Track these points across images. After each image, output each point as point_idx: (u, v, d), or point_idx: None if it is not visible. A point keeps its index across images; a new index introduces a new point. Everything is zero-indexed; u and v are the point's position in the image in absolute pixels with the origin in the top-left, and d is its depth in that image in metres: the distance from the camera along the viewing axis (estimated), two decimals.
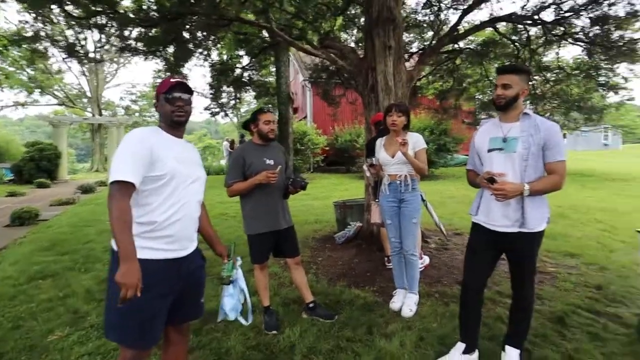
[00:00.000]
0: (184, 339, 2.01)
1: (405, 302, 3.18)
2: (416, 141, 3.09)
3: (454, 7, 6.23)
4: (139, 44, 6.13)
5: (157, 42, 6.48)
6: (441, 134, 13.26)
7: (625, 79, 6.76)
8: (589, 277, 3.83)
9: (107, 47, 7.26)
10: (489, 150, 2.21)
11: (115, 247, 1.65)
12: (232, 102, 11.42)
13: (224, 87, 10.44)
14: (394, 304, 3.22)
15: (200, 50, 8.73)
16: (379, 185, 3.36)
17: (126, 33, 5.81)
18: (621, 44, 5.34)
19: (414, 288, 3.23)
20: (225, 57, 10.95)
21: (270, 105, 12.89)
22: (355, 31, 7.98)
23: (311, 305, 3.07)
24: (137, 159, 1.61)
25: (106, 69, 29.15)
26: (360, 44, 7.40)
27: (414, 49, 6.88)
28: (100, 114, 27.16)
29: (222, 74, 9.71)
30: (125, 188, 1.58)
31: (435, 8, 6.31)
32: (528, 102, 7.73)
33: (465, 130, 13.93)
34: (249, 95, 16.73)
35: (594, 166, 16.80)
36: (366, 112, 4.86)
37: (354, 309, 3.17)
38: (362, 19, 6.11)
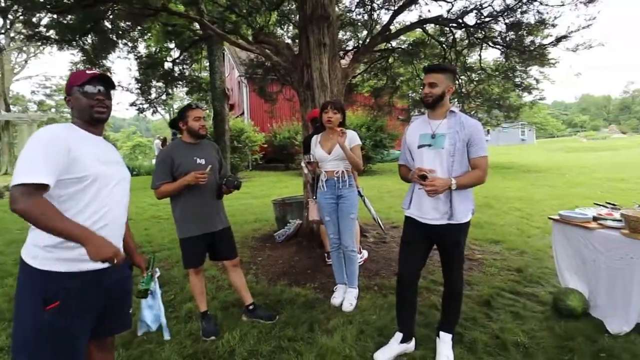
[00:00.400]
0: (108, 356, 1.83)
1: (346, 296, 3.22)
2: (351, 137, 3.11)
3: (385, 7, 6.43)
4: (51, 32, 5.52)
5: (72, 31, 5.90)
6: (377, 131, 13.69)
7: (537, 81, 7.47)
8: (510, 261, 4.16)
9: (12, 34, 6.47)
10: (419, 147, 2.30)
11: (26, 259, 1.45)
12: (163, 97, 10.79)
13: (153, 82, 9.85)
14: (335, 300, 3.25)
15: (124, 41, 8.15)
16: (316, 183, 3.36)
17: (35, 19, 5.19)
18: (532, 48, 5.88)
19: (353, 283, 3.28)
20: (153, 49, 10.33)
21: (198, 102, 12.40)
22: (290, 27, 7.93)
23: (251, 307, 3.00)
24: (51, 158, 1.41)
25: (14, 59, 26.07)
26: (295, 41, 7.36)
27: (349, 47, 6.99)
28: (8, 110, 24.26)
29: (150, 67, 9.13)
30: (35, 192, 1.36)
31: (369, 7, 6.46)
32: (455, 100, 8.22)
33: (400, 127, 14.50)
34: (181, 91, 15.99)
35: (513, 159, 18.44)
36: (302, 109, 4.85)
37: (295, 308, 3.15)
38: (297, 16, 6.07)
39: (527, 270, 3.83)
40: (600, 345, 2.43)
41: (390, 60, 7.37)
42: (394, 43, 7.04)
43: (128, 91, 10.11)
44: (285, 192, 9.28)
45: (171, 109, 30.15)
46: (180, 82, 10.79)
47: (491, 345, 2.53)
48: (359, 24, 6.94)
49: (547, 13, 5.43)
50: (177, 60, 9.76)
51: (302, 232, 5.06)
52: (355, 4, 6.67)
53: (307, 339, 2.67)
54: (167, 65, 9.76)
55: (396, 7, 5.77)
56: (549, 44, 5.74)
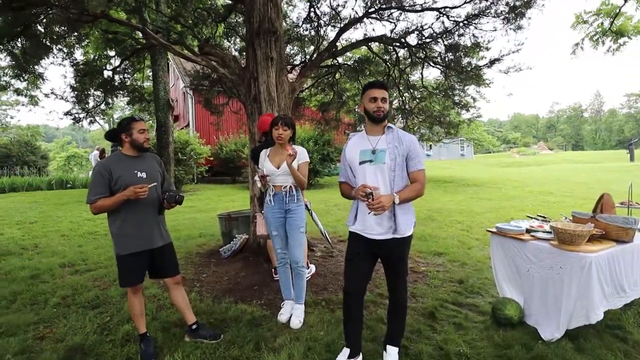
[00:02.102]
0: None
1: (294, 313, 3.16)
2: (300, 154, 3.11)
3: (332, 24, 6.55)
4: None
5: None
6: (324, 145, 13.83)
7: (474, 99, 7.97)
8: (453, 272, 4.30)
9: None
10: (361, 163, 2.32)
11: None
12: (101, 107, 10.16)
13: (91, 91, 9.24)
14: (282, 316, 3.19)
15: (59, 47, 7.59)
16: (264, 197, 3.29)
17: None
18: (469, 69, 6.26)
19: (301, 299, 3.22)
20: (91, 56, 9.73)
21: (141, 114, 11.86)
22: (237, 40, 7.84)
23: (194, 326, 2.84)
24: None
25: None
26: (242, 53, 7.28)
27: (297, 62, 7.02)
28: None
29: (87, 75, 8.57)
30: None
31: (315, 24, 6.54)
32: (400, 116, 8.52)
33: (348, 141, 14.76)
34: (121, 101, 15.19)
35: (453, 173, 19.44)
36: (249, 122, 4.75)
37: (240, 326, 3.04)
38: (244, 29, 6.00)
39: (468, 281, 3.97)
40: (535, 352, 2.54)
41: (337, 75, 7.52)
42: (340, 59, 7.20)
43: (63, 99, 9.35)
44: (231, 206, 9.04)
45: (111, 119, 28.55)
46: (121, 92, 10.23)
47: (435, 356, 2.56)
48: (306, 39, 7.01)
49: (482, 37, 5.83)
50: (117, 69, 9.25)
51: (249, 247, 4.91)
52: (303, 19, 6.74)
53: (253, 358, 2.59)
54: (107, 73, 9.22)
55: (342, 25, 5.90)
56: (483, 65, 6.15)
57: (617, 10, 6.73)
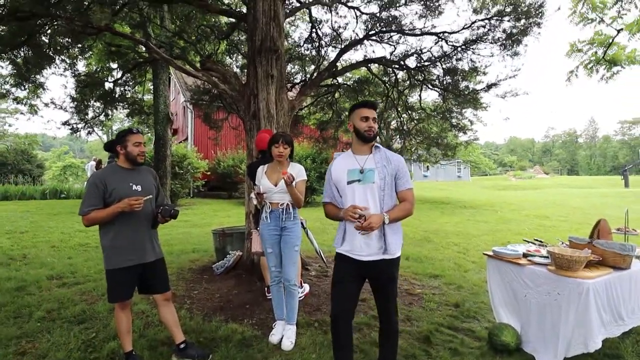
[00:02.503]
0: None
1: (285, 334, 3.09)
2: (298, 172, 3.11)
3: (333, 45, 6.66)
4: None
5: (2, 43, 5.43)
6: (322, 163, 13.85)
7: (471, 122, 8.09)
8: (449, 296, 4.24)
9: None
10: (349, 182, 2.28)
11: None
12: (101, 118, 10.18)
13: (91, 102, 9.27)
14: (274, 337, 3.11)
15: (62, 57, 7.65)
16: (260, 213, 3.26)
17: None
18: (467, 92, 6.36)
19: (292, 319, 3.16)
20: (93, 68, 9.81)
21: (139, 127, 11.86)
22: (239, 57, 7.94)
23: (182, 345, 2.76)
24: None
25: None
26: (243, 70, 7.36)
27: (297, 80, 7.11)
28: None
29: (88, 86, 8.61)
30: None
31: (317, 44, 6.65)
32: (398, 136, 8.58)
33: None
34: (121, 113, 15.24)
35: (450, 195, 19.46)
36: (248, 138, 4.76)
37: (230, 346, 2.96)
38: (246, 46, 6.09)
39: (464, 305, 3.91)
40: None
41: (336, 95, 7.61)
42: (340, 79, 7.31)
43: (62, 109, 9.37)
44: (227, 222, 8.96)
45: (110, 131, 28.59)
46: (121, 104, 10.28)
47: None
48: (307, 58, 7.12)
49: (479, 62, 5.95)
50: (118, 81, 9.32)
51: (242, 265, 4.83)
52: (304, 39, 6.86)
53: None
54: (108, 85, 9.29)
55: (343, 46, 6.00)
56: (481, 89, 6.26)
57: (610, 40, 6.88)
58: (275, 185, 3.09)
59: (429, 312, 3.74)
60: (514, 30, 5.45)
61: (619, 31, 6.27)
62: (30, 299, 3.97)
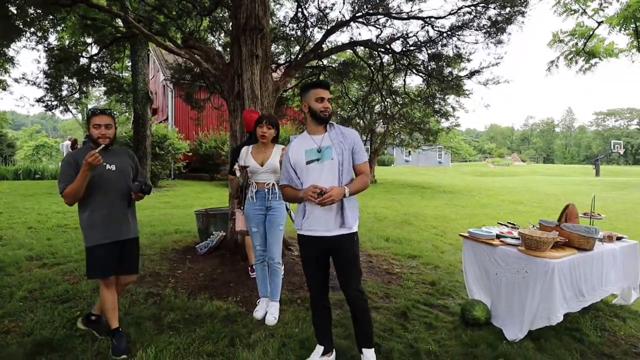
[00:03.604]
0: None
1: (269, 310, 3.19)
2: (283, 154, 3.14)
3: (319, 26, 6.61)
4: None
5: None
6: None
7: (454, 108, 8.22)
8: (426, 275, 4.42)
9: None
10: (307, 162, 2.32)
11: None
12: (76, 96, 9.85)
13: (65, 78, 8.95)
14: (258, 313, 3.20)
15: (32, 30, 7.34)
16: (244, 193, 3.30)
17: None
18: (450, 79, 6.45)
19: (276, 296, 3.25)
20: (67, 42, 9.43)
21: (107, 108, 11.57)
22: (222, 35, 7.79)
23: (93, 317, 2.85)
24: None
25: None
26: (227, 49, 7.24)
27: (282, 61, 7.04)
28: None
29: (62, 62, 8.29)
30: None
31: (302, 24, 6.59)
32: (381, 120, 8.66)
33: None
34: (97, 90, 14.77)
35: (431, 180, 19.83)
36: (231, 118, 4.74)
37: (215, 322, 3.04)
38: (230, 24, 5.98)
39: (440, 283, 4.09)
40: (499, 351, 2.65)
41: (321, 77, 7.58)
42: (325, 61, 7.27)
43: (35, 85, 9.01)
44: (209, 203, 8.95)
45: (85, 109, 27.66)
46: (98, 81, 9.96)
47: (406, 354, 2.64)
48: (292, 39, 7.04)
49: (464, 48, 6.02)
50: (95, 57, 9.00)
51: (226, 245, 4.89)
52: (290, 19, 6.78)
53: (227, 354, 2.59)
54: (83, 61, 8.95)
55: (329, 27, 5.96)
56: (464, 76, 6.35)
57: (591, 32, 7.07)
58: (262, 165, 3.14)
59: (406, 290, 3.90)
60: (499, 18, 5.53)
61: (599, 23, 6.45)
62: (10, 279, 3.93)
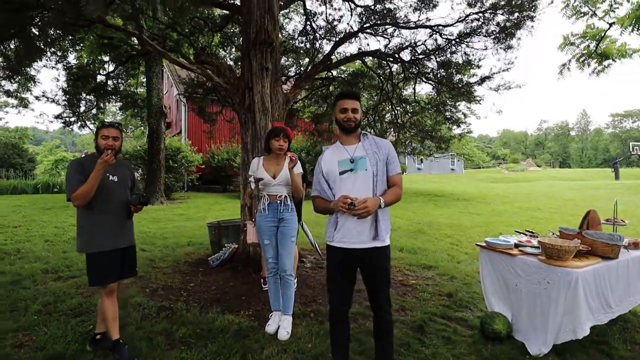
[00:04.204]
0: None
1: (281, 324, 3.14)
2: (297, 165, 3.15)
3: (327, 38, 6.65)
4: None
5: None
6: (317, 156, 13.88)
7: (465, 115, 8.12)
8: (442, 286, 4.31)
9: None
10: (341, 173, 2.28)
11: None
12: (93, 111, 10.10)
13: (83, 95, 9.19)
14: (270, 327, 3.15)
15: (52, 49, 7.56)
16: (254, 205, 3.30)
17: None
18: (460, 85, 6.39)
19: (289, 309, 3.21)
20: (85, 60, 9.71)
21: (115, 121, 11.77)
22: (232, 50, 7.90)
23: (98, 337, 2.82)
24: None
25: None
26: (237, 63, 7.33)
27: (291, 73, 7.09)
28: None
29: (80, 79, 8.52)
30: None
31: (311, 37, 6.63)
32: (392, 129, 8.61)
33: None
34: (114, 106, 15.11)
35: (444, 188, 19.60)
36: (243, 131, 4.77)
37: (227, 337, 3.00)
38: (240, 39, 6.07)
39: (457, 295, 3.98)
40: None
41: (331, 88, 7.60)
42: (334, 72, 7.28)
43: (54, 102, 9.29)
44: (222, 215, 8.98)
45: (101, 124, 28.31)
46: (114, 97, 10.22)
47: None
48: (302, 51, 7.09)
49: (473, 55, 5.97)
50: (111, 74, 9.24)
51: (238, 257, 4.87)
52: (299, 32, 6.84)
53: None
54: (100, 78, 9.19)
55: (337, 39, 5.99)
56: (474, 82, 6.29)
57: (602, 34, 6.93)
58: (274, 178, 3.15)
59: (422, 302, 3.81)
60: (508, 24, 5.47)
61: (610, 25, 6.33)
62: (25, 292, 3.98)
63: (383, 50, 6.06)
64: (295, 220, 3.23)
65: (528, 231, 3.74)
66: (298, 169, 3.17)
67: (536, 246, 3.08)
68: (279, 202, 3.18)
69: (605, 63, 7.99)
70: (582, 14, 7.40)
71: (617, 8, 6.78)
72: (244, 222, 4.39)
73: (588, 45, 8.11)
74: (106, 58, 9.57)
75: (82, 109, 9.83)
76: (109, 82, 9.41)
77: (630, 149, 33.58)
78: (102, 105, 10.45)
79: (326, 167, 2.34)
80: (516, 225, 7.84)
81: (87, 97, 9.48)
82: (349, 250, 2.27)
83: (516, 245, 3.18)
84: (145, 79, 11.93)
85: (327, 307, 3.53)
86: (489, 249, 3.27)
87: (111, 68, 9.42)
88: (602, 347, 2.82)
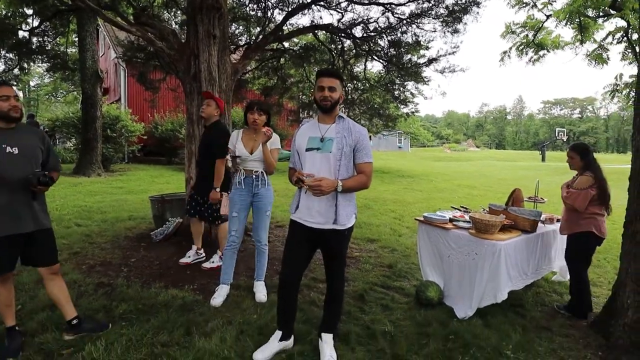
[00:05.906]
0: None
1: (257, 289, 3.34)
2: (273, 141, 3.18)
3: (279, 7, 6.46)
4: None
5: None
6: None
7: (413, 95, 8.38)
8: (383, 258, 4.55)
9: None
10: (307, 149, 2.30)
11: None
12: (14, 72, 9.10)
13: (2, 52, 8.24)
14: (215, 300, 3.16)
15: None
16: (232, 178, 3.36)
17: None
18: (409, 65, 6.55)
19: (262, 276, 3.43)
20: (3, 12, 8.63)
21: (64, 83, 10.81)
22: (178, 12, 7.42)
23: (74, 321, 2.59)
24: None
25: None
26: (183, 28, 6.92)
27: (241, 42, 6.84)
28: None
29: None
30: None
31: (262, 5, 6.41)
32: (342, 106, 8.69)
33: (290, 127, 14.75)
34: (39, 67, 13.71)
35: (390, 165, 20.27)
36: (188, 101, 4.57)
37: (170, 311, 2.95)
38: (186, 1, 5.71)
39: (397, 266, 4.23)
40: (450, 329, 2.80)
41: (282, 60, 7.47)
42: (286, 44, 7.14)
43: None
44: (166, 188, 8.65)
45: (26, 87, 25.62)
46: (39, 57, 9.24)
47: (362, 335, 2.72)
48: (252, 19, 6.85)
49: (422, 36, 6.13)
50: (35, 30, 8.31)
51: (183, 231, 4.76)
52: None
53: (183, 343, 2.52)
54: (23, 34, 8.25)
55: (290, 9, 5.85)
56: (422, 64, 6.48)
57: (540, 25, 7.39)
58: (251, 153, 3.17)
59: (364, 273, 4.00)
60: (456, 8, 5.65)
61: (548, 17, 6.74)
62: None
63: (336, 25, 6.02)
64: (270, 195, 3.32)
65: (462, 207, 4.02)
66: (273, 144, 3.18)
67: (468, 221, 3.33)
68: (254, 177, 3.21)
69: (541, 53, 8.55)
70: (525, 4, 7.81)
71: (555, 1, 7.23)
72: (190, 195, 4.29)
73: (527, 35, 8.61)
74: (29, 11, 8.55)
75: (1, 67, 8.83)
76: (34, 40, 8.49)
77: (556, 134, 36.74)
78: (25, 65, 9.43)
79: (298, 141, 2.37)
80: (454, 202, 8.37)
81: (7, 54, 8.51)
82: (309, 228, 2.33)
83: (451, 220, 3.43)
84: (77, 39, 10.87)
85: (273, 279, 3.62)
86: (426, 223, 3.49)
87: (36, 23, 8.46)
88: (517, 309, 3.19)
